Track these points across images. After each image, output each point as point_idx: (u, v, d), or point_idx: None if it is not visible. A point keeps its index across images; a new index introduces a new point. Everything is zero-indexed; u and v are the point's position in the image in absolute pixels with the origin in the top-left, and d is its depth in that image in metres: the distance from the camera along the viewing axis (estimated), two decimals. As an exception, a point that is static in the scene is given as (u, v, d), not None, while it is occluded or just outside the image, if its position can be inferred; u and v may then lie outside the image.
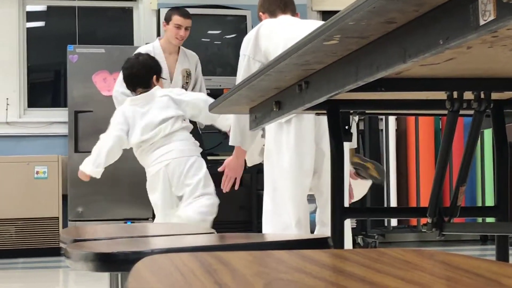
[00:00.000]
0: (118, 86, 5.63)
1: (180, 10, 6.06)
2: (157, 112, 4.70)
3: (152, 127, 4.69)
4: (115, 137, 4.76)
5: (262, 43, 3.66)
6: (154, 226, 2.66)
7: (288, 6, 3.94)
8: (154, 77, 4.85)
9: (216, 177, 4.52)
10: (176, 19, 5.94)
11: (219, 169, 4.18)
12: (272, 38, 3.63)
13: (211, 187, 4.75)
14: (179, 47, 6.09)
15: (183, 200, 4.72)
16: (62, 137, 7.36)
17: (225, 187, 4.03)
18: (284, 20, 3.81)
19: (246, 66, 3.68)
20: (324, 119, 3.49)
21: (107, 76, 7.16)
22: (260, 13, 3.98)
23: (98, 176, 4.84)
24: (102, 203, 7.04)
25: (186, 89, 5.70)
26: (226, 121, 4.63)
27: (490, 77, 2.08)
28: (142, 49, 5.76)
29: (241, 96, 2.57)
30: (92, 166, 4.79)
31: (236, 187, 4.06)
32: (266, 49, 3.64)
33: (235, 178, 4.02)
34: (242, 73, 3.68)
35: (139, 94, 4.82)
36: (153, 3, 7.65)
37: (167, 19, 5.98)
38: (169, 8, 6.24)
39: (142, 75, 4.86)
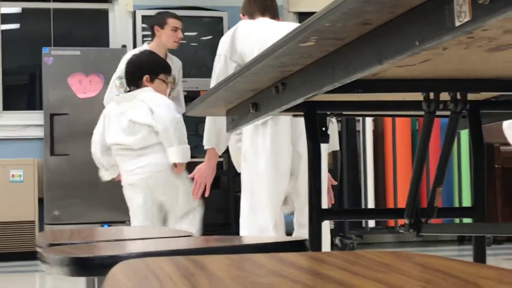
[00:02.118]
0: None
1: (171, 12, 5.91)
2: (129, 116, 4.56)
3: (123, 130, 4.58)
4: (93, 145, 4.79)
5: (238, 43, 3.66)
6: (131, 229, 2.65)
7: (268, 9, 3.94)
8: (146, 77, 4.69)
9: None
10: (173, 22, 5.78)
11: (189, 176, 4.16)
12: (248, 39, 3.64)
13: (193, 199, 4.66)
14: (166, 53, 5.92)
15: (170, 217, 4.66)
16: (37, 140, 7.31)
17: (195, 194, 4.00)
18: (261, 22, 3.82)
19: (222, 66, 3.67)
20: (300, 121, 3.49)
21: (83, 78, 7.13)
22: (241, 15, 4.00)
23: (109, 177, 4.90)
24: (78, 207, 7.01)
25: (169, 95, 5.57)
26: (170, 154, 4.55)
27: (466, 78, 2.08)
28: (129, 54, 5.42)
29: (218, 98, 2.56)
30: (104, 172, 4.82)
31: (206, 194, 4.02)
32: (242, 49, 3.64)
33: (205, 185, 3.99)
34: (217, 73, 3.67)
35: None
36: (129, 5, 7.63)
37: (161, 24, 5.79)
38: (158, 13, 6.07)
39: (132, 73, 4.73)
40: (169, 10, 6.47)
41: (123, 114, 4.60)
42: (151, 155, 4.56)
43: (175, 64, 6.02)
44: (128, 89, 4.78)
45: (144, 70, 4.70)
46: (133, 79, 4.72)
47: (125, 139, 4.56)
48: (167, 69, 4.81)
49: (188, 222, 4.62)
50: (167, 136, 4.49)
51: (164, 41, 5.78)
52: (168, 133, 4.49)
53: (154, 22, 5.92)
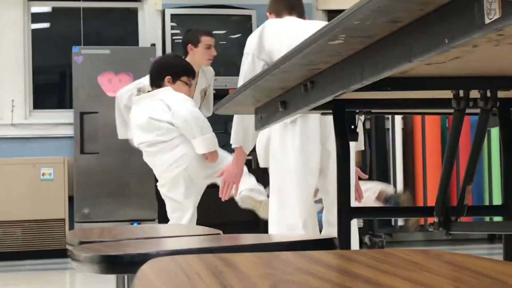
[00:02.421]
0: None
1: (203, 30, 5.80)
2: (148, 114, 4.69)
3: (145, 128, 4.69)
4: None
5: (266, 42, 3.66)
6: (160, 227, 2.66)
7: (295, 8, 3.94)
8: (168, 77, 4.82)
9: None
10: (206, 39, 5.68)
11: (217, 175, 4.16)
12: (277, 38, 3.63)
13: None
14: (198, 70, 5.80)
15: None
16: (68, 138, 7.36)
17: (224, 195, 3.98)
18: (289, 20, 3.82)
19: (250, 64, 3.67)
20: (329, 119, 3.49)
21: (113, 77, 7.17)
22: (268, 14, 4.00)
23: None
24: (108, 205, 7.05)
25: (199, 107, 5.56)
26: (197, 145, 4.65)
27: (496, 75, 2.07)
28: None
29: (246, 96, 2.56)
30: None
31: (235, 195, 4.02)
32: (270, 48, 3.64)
33: (234, 185, 3.99)
34: (245, 71, 3.67)
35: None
36: (158, 3, 7.65)
37: (194, 42, 5.68)
38: (190, 30, 5.96)
39: (155, 74, 4.87)
40: (197, 8, 6.44)
41: (141, 113, 4.72)
42: (179, 147, 4.65)
43: (207, 75, 5.97)
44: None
45: (166, 71, 4.83)
46: (156, 79, 4.84)
47: (146, 136, 4.66)
48: (190, 72, 4.93)
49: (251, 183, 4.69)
50: (188, 129, 4.60)
51: (197, 59, 5.72)
52: (188, 126, 4.60)
53: (187, 40, 5.83)
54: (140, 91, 5.23)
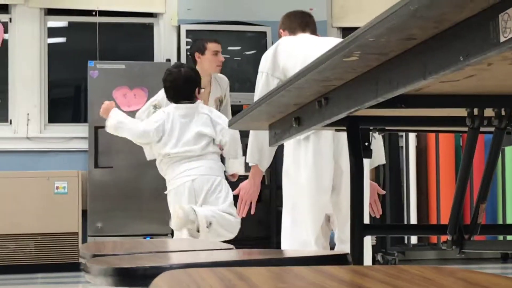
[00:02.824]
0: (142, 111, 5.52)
1: (208, 38, 5.86)
2: (196, 128, 4.74)
3: (188, 141, 4.72)
4: (141, 127, 4.83)
5: (280, 60, 3.67)
6: (173, 241, 2.67)
7: (309, 25, 3.95)
8: (197, 89, 4.87)
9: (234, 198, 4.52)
10: (213, 46, 5.75)
11: (234, 192, 4.17)
12: (291, 55, 3.64)
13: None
14: (210, 77, 5.90)
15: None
16: (82, 152, 7.38)
17: (241, 212, 3.99)
18: (303, 37, 3.82)
19: (264, 83, 3.68)
20: (342, 135, 3.48)
21: (128, 91, 7.19)
22: (281, 30, 4.00)
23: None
24: (121, 219, 7.06)
25: None
26: (233, 165, 4.70)
27: (511, 94, 2.07)
28: None
29: (261, 112, 2.57)
30: (114, 120, 4.88)
31: (252, 212, 4.02)
32: (284, 66, 3.65)
33: (251, 202, 3.99)
34: (260, 90, 3.68)
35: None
36: (174, 19, 7.69)
37: (201, 50, 5.76)
38: (196, 40, 6.01)
39: (186, 88, 4.87)
40: (212, 24, 6.44)
41: (188, 126, 4.75)
42: (203, 161, 4.68)
43: (221, 83, 5.99)
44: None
45: (197, 83, 4.89)
46: (188, 94, 4.85)
47: (189, 147, 4.68)
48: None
49: (223, 215, 4.69)
50: (234, 148, 4.67)
51: (206, 67, 5.75)
52: (235, 145, 4.68)
53: (194, 49, 5.87)
54: (156, 107, 5.25)
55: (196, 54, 5.78)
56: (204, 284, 0.88)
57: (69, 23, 8.03)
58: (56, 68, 7.84)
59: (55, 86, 7.89)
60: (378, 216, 3.88)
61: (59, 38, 8.10)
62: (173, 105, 4.86)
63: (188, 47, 7.43)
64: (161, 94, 5.21)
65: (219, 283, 0.88)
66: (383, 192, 3.99)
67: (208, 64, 5.77)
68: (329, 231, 3.83)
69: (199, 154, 4.71)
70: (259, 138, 3.71)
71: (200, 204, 4.69)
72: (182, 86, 4.84)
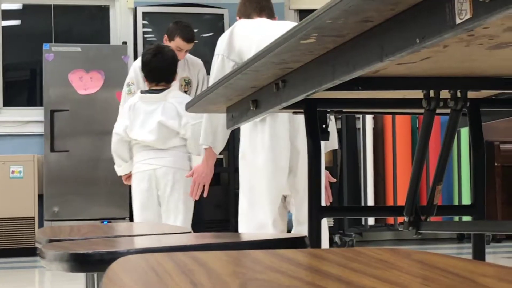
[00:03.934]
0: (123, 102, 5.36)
1: (184, 31, 5.67)
2: (159, 117, 4.50)
3: (152, 130, 4.51)
4: (115, 136, 4.67)
5: (236, 42, 3.66)
6: (130, 225, 2.65)
7: (264, 9, 3.94)
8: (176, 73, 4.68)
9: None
10: (179, 42, 5.56)
11: (187, 175, 4.15)
12: (246, 38, 3.64)
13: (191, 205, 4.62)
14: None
15: (163, 210, 4.62)
16: (38, 136, 7.32)
17: (194, 195, 4.00)
18: (259, 21, 3.82)
19: (220, 65, 3.67)
20: (298, 117, 3.50)
21: (84, 74, 7.13)
22: (237, 17, 3.99)
23: (126, 171, 4.72)
24: (78, 203, 7.02)
25: None
26: (195, 161, 4.54)
27: (466, 76, 2.08)
28: (139, 61, 5.14)
29: (218, 95, 2.56)
30: (118, 168, 4.71)
31: (205, 194, 4.01)
32: (240, 48, 3.64)
33: (204, 185, 3.98)
34: (215, 73, 3.68)
35: (154, 87, 4.60)
36: (130, 1, 7.63)
37: (170, 36, 5.61)
38: (173, 23, 5.85)
39: (170, 69, 4.63)
40: (168, 6, 6.39)
41: (151, 114, 4.55)
42: (169, 153, 4.54)
43: (191, 66, 5.86)
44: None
45: (176, 66, 4.66)
46: (170, 76, 4.64)
47: (149, 137, 4.51)
48: None
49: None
50: (195, 143, 4.42)
51: None
52: (196, 141, 4.47)
53: (166, 31, 5.79)
54: (129, 85, 5.11)
55: (165, 36, 5.71)
56: (161, 269, 0.87)
57: (24, 5, 7.93)
58: (11, 51, 7.74)
59: (10, 69, 7.80)
60: (328, 204, 3.89)
61: (14, 20, 7.99)
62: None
63: (145, 29, 7.38)
64: (131, 73, 5.14)
65: (176, 268, 0.88)
66: (334, 180, 3.99)
67: None
68: (286, 212, 3.84)
69: (162, 144, 4.54)
70: (212, 120, 3.71)
71: (158, 196, 4.59)
72: (167, 66, 4.60)
